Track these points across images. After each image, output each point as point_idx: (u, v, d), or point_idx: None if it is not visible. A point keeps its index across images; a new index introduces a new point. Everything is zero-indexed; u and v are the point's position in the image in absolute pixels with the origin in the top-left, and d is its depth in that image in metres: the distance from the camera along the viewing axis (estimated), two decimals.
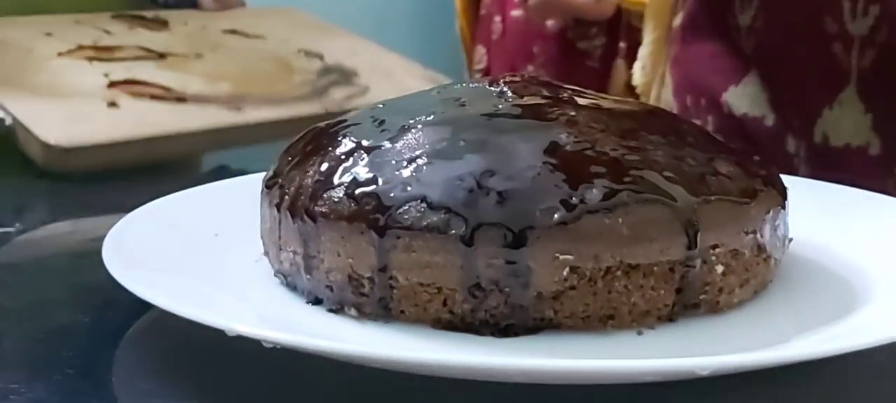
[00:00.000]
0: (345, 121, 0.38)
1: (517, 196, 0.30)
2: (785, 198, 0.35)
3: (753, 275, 0.33)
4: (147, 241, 0.38)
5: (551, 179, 0.31)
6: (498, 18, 1.27)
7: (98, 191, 0.66)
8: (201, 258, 0.38)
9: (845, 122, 0.52)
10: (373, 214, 0.31)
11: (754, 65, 0.57)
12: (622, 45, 1.15)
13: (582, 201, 0.30)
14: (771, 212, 0.34)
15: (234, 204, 0.43)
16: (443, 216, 0.30)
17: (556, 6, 1.10)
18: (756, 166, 0.36)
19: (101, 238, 0.37)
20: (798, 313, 0.34)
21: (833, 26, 0.51)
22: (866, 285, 0.35)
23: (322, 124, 0.39)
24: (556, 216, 0.30)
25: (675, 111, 0.65)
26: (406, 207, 0.31)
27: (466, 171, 0.31)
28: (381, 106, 0.39)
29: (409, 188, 0.31)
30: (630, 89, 1.10)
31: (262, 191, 0.38)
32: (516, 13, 1.21)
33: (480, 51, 1.31)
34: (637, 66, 0.71)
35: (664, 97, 0.66)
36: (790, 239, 0.37)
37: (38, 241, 0.49)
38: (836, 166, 0.53)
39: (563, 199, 0.30)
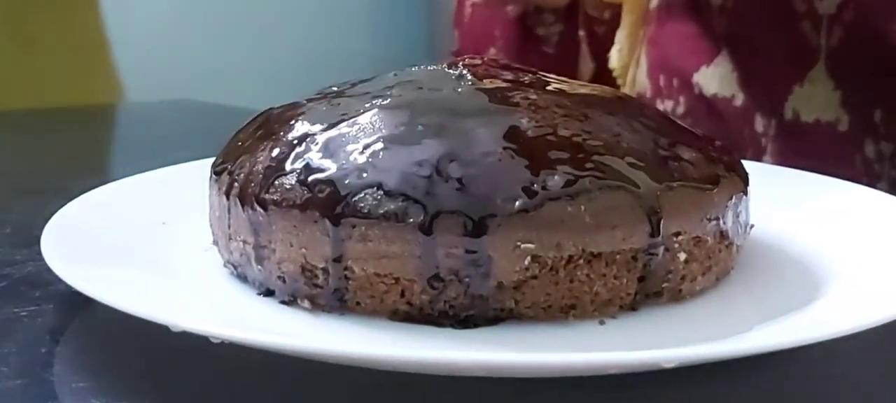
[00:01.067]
0: (298, 104, 0.37)
1: (477, 183, 0.29)
2: (747, 184, 0.35)
3: (715, 263, 0.33)
4: (90, 230, 0.37)
5: (512, 165, 0.30)
6: (469, 1, 1.29)
7: (37, 172, 0.64)
8: (148, 248, 0.36)
9: (815, 99, 0.53)
10: (327, 202, 0.30)
11: (726, 44, 0.57)
12: (581, 32, 1.17)
13: (543, 188, 0.29)
14: (733, 199, 0.33)
15: (183, 191, 0.41)
16: (400, 204, 0.29)
17: None
18: (718, 152, 0.35)
19: (41, 225, 0.35)
20: (760, 301, 0.33)
21: (801, 5, 0.52)
22: (826, 272, 0.35)
23: (275, 108, 0.38)
24: (517, 203, 0.29)
25: (648, 92, 0.65)
26: (362, 194, 0.30)
27: (425, 157, 0.30)
28: (335, 88, 0.38)
29: (364, 174, 0.30)
30: (595, 79, 1.11)
31: (210, 177, 0.36)
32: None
33: (455, 34, 1.35)
34: (614, 50, 0.71)
35: (639, 78, 0.66)
36: (752, 226, 0.37)
37: None
38: (806, 142, 0.53)
39: (525, 186, 0.29)
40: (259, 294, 0.33)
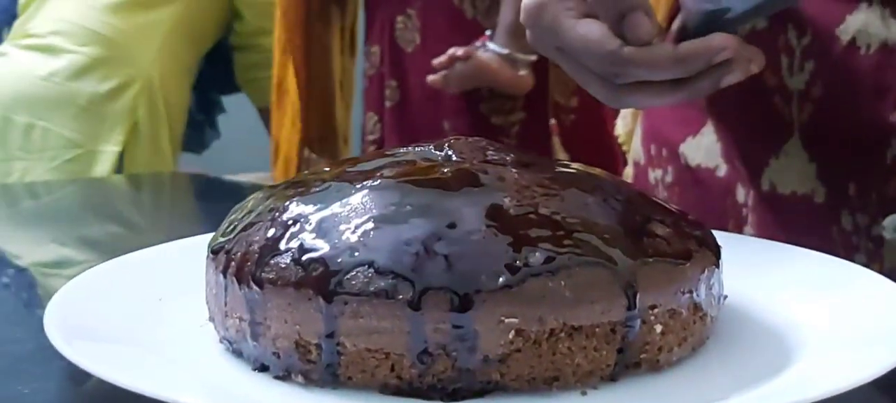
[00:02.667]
0: (291, 184, 0.38)
1: (462, 260, 0.31)
2: (718, 257, 0.37)
3: (690, 334, 0.35)
4: (90, 308, 0.38)
5: (495, 243, 0.32)
6: (393, 83, 1.14)
7: (30, 247, 0.65)
8: (146, 324, 0.37)
9: (791, 171, 0.53)
10: (320, 280, 0.32)
11: (710, 115, 0.58)
12: (552, 121, 1.09)
13: (526, 264, 0.31)
14: (706, 272, 0.35)
15: (176, 268, 0.43)
16: (390, 281, 0.31)
17: (477, 78, 1.03)
18: (690, 227, 0.37)
19: (42, 302, 0.36)
20: (733, 370, 0.35)
21: (773, 80, 0.53)
22: (796, 340, 0.37)
23: (268, 187, 0.39)
24: (500, 279, 0.31)
25: (642, 160, 0.66)
26: (353, 273, 0.31)
27: (412, 236, 0.32)
28: (326, 169, 0.40)
29: (356, 253, 0.32)
30: None
31: (207, 256, 0.38)
32: (432, 78, 1.08)
33: (372, 118, 1.18)
34: (619, 119, 0.72)
35: (634, 146, 0.68)
36: (725, 297, 0.39)
37: None
38: (783, 214, 0.54)
39: (508, 263, 0.31)
40: (254, 369, 0.34)
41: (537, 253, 0.31)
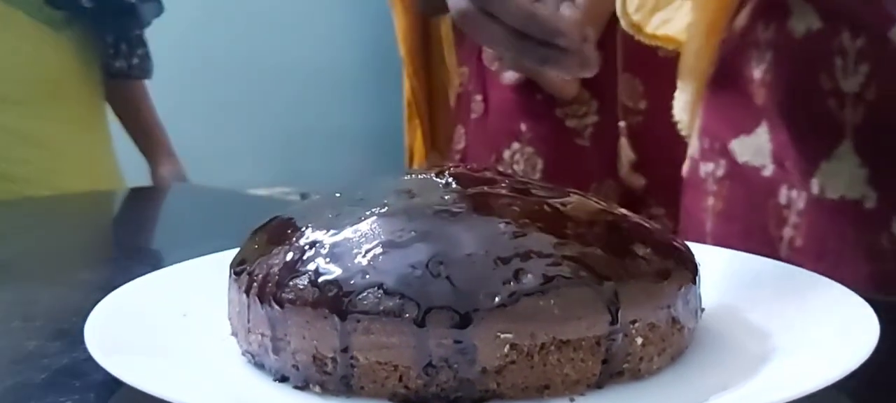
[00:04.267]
0: (305, 211, 0.42)
1: (463, 281, 0.35)
2: (695, 275, 0.40)
3: (669, 344, 0.38)
4: (125, 323, 0.41)
5: (492, 266, 0.35)
6: (478, 97, 1.20)
7: (57, 261, 0.68)
8: (174, 339, 0.41)
9: (841, 176, 0.53)
10: (335, 300, 0.35)
11: (764, 116, 0.58)
12: (622, 123, 1.14)
13: (519, 285, 0.35)
14: (682, 289, 0.39)
15: (199, 285, 0.46)
16: (397, 301, 0.35)
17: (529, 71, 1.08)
18: (670, 247, 0.40)
19: (68, 317, 0.40)
20: (709, 375, 0.38)
21: (827, 83, 0.52)
22: (768, 347, 0.40)
23: (285, 214, 0.43)
24: (497, 299, 0.34)
25: (696, 153, 0.68)
26: (365, 293, 0.35)
27: (417, 260, 0.36)
28: (338, 195, 0.43)
29: (366, 276, 0.35)
30: (635, 169, 1.13)
31: (230, 276, 0.41)
32: (510, 79, 1.13)
33: (459, 131, 1.25)
34: (676, 105, 0.73)
35: (692, 141, 0.69)
36: (703, 310, 0.42)
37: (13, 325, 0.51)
38: (831, 218, 0.53)
39: (503, 284, 0.35)
40: (275, 380, 0.38)
41: (529, 275, 0.35)
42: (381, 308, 0.35)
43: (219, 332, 0.42)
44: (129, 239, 0.86)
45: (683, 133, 0.73)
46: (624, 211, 0.43)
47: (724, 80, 0.67)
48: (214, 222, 0.85)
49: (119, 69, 1.20)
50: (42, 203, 1.02)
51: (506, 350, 0.34)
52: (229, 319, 0.41)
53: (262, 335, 0.38)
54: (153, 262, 0.71)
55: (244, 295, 0.39)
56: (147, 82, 1.27)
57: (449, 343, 0.34)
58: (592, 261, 0.36)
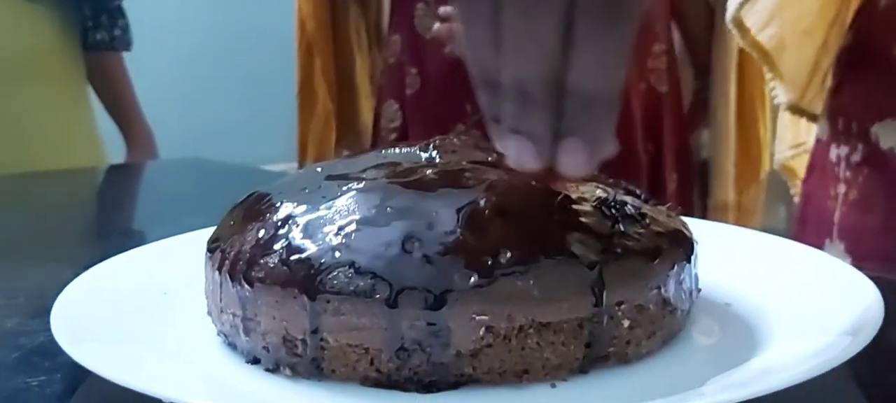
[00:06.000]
0: (282, 185, 0.40)
1: (437, 260, 0.33)
2: (690, 253, 0.38)
3: (660, 327, 0.36)
4: (96, 304, 0.40)
5: (469, 243, 0.34)
6: (413, 70, 1.12)
7: (45, 237, 0.68)
8: (149, 318, 0.40)
9: None
10: (304, 280, 0.34)
11: None
12: None
13: (497, 264, 0.33)
14: (675, 268, 0.37)
15: (183, 262, 0.45)
16: (369, 281, 0.33)
17: None
18: (665, 224, 0.38)
19: (52, 294, 0.39)
20: (702, 360, 0.36)
21: None
22: (768, 330, 0.38)
23: (263, 188, 0.41)
24: (472, 279, 0.33)
25: (824, 135, 0.64)
26: (335, 273, 0.33)
27: (391, 238, 0.34)
28: (318, 170, 0.42)
29: (337, 254, 0.34)
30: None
31: (205, 253, 0.40)
32: (437, 27, 1.04)
33: (392, 106, 1.17)
34: (782, 92, 0.71)
35: (820, 118, 0.66)
36: (699, 291, 0.40)
37: None
38: None
39: (479, 263, 0.33)
40: (247, 362, 0.36)
41: (508, 254, 0.33)
42: (352, 288, 0.33)
43: (198, 311, 0.41)
44: (119, 216, 0.85)
45: (783, 99, 0.69)
46: (622, 183, 0.41)
47: (866, 59, 0.63)
48: (207, 197, 0.84)
49: (99, 41, 1.18)
50: (20, 180, 1.01)
51: (481, 332, 0.33)
52: (206, 298, 0.40)
53: (234, 315, 0.36)
54: (139, 240, 0.70)
55: (216, 273, 0.38)
56: (155, 54, 1.25)
57: (422, 325, 0.32)
58: (577, 239, 0.34)
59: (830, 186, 0.68)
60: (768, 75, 0.75)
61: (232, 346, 0.37)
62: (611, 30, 0.27)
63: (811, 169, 0.76)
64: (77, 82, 1.18)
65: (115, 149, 1.27)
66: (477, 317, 0.32)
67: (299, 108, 1.35)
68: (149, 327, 0.39)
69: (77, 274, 0.43)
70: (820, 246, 0.77)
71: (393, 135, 1.18)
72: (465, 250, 0.33)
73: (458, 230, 0.34)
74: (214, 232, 0.41)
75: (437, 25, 1.07)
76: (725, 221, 1.31)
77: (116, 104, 1.24)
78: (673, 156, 1.20)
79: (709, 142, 1.30)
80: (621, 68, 0.28)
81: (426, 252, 0.33)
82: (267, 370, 0.35)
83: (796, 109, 0.75)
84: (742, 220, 1.29)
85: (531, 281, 0.33)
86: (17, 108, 1.09)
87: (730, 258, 0.45)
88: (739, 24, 0.74)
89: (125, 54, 1.25)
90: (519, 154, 0.29)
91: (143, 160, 1.23)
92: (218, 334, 0.39)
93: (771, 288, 0.42)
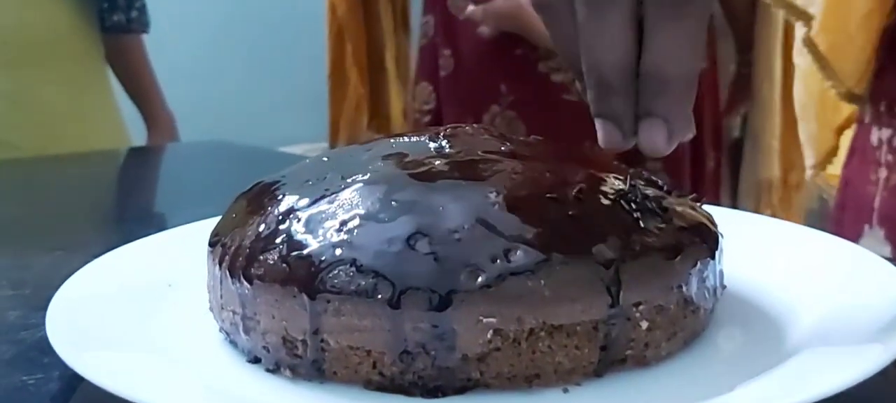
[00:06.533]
0: (288, 175, 0.39)
1: (443, 259, 0.31)
2: (714, 249, 0.36)
3: (681, 328, 0.34)
4: (96, 299, 0.39)
5: (477, 241, 0.32)
6: (447, 52, 1.10)
7: (59, 223, 0.67)
8: (150, 313, 0.39)
9: None
10: (304, 278, 0.32)
11: None
12: None
13: (506, 263, 0.31)
14: (698, 266, 0.35)
15: (190, 251, 0.43)
16: (371, 280, 0.31)
17: (513, 19, 0.99)
18: (688, 217, 0.36)
19: (59, 287, 0.38)
20: (726, 364, 0.34)
21: None
22: (798, 332, 0.36)
23: (268, 179, 0.40)
24: (479, 279, 0.31)
25: (867, 117, 0.62)
26: (336, 271, 0.32)
27: (396, 234, 0.32)
28: (325, 159, 0.40)
29: (339, 251, 0.32)
30: None
31: (207, 248, 0.38)
32: (471, 9, 1.02)
33: (426, 88, 1.15)
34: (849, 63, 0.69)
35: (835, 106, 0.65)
36: (724, 288, 0.38)
37: None
38: None
39: (488, 262, 0.31)
40: (248, 360, 0.35)
41: (518, 252, 0.31)
42: (353, 287, 0.31)
43: (201, 305, 0.39)
44: (138, 200, 0.85)
45: (843, 88, 0.67)
46: (645, 174, 0.39)
47: None
48: (228, 180, 0.83)
49: (116, 23, 1.17)
50: (39, 164, 1.00)
51: (489, 335, 0.31)
52: (208, 292, 0.39)
53: (234, 312, 0.35)
54: (158, 224, 0.69)
55: (217, 268, 0.36)
56: (176, 36, 1.24)
57: (426, 327, 0.31)
58: (594, 236, 0.32)
59: (871, 170, 0.66)
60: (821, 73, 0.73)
61: (234, 344, 0.36)
62: (681, 18, 0.29)
63: (852, 152, 0.73)
64: (96, 65, 1.18)
65: (139, 133, 1.27)
66: (484, 319, 0.31)
67: (330, 92, 1.35)
68: (149, 323, 0.38)
69: (87, 263, 0.42)
70: (859, 233, 0.75)
71: (427, 118, 1.16)
72: (472, 248, 0.31)
73: (466, 226, 0.32)
74: (217, 225, 0.39)
75: (470, 7, 1.05)
76: (770, 199, 1.28)
77: (136, 87, 1.24)
78: (711, 135, 1.17)
79: (752, 119, 1.27)
80: (696, 52, 0.30)
81: (431, 249, 0.31)
82: (267, 370, 0.34)
83: (852, 96, 0.72)
84: (787, 198, 1.26)
85: (542, 281, 0.31)
86: (35, 91, 1.09)
87: (759, 251, 0.43)
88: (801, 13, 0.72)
89: (146, 37, 1.24)
90: (605, 135, 0.31)
91: (164, 143, 1.23)
92: (220, 331, 0.37)
93: (802, 285, 0.39)
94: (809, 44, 0.72)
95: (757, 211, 1.32)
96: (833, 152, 0.81)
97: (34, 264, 0.53)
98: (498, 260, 0.31)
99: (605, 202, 0.34)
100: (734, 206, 1.24)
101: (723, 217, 0.42)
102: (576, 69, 0.31)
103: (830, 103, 0.80)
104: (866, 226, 0.71)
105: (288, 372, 0.33)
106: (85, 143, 1.10)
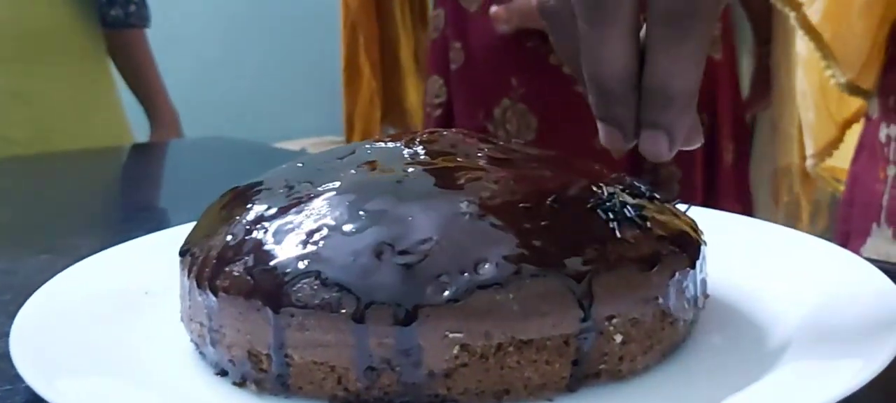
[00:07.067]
0: (260, 183, 0.38)
1: (409, 272, 0.30)
2: (695, 258, 0.35)
3: (658, 341, 0.33)
4: (67, 309, 0.38)
5: (446, 254, 0.31)
6: (457, 45, 1.10)
7: (49, 223, 0.67)
8: (121, 324, 0.38)
9: None
10: (268, 291, 0.31)
11: None
12: None
13: (473, 276, 0.30)
14: (676, 276, 0.34)
15: (168, 258, 0.43)
16: (335, 293, 0.30)
17: (536, 17, 0.98)
18: (668, 225, 0.35)
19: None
20: (705, 378, 0.33)
21: None
22: (781, 342, 0.35)
23: (242, 185, 0.39)
24: (445, 293, 0.30)
25: (875, 113, 0.61)
26: (300, 284, 0.31)
27: (362, 246, 0.31)
28: (300, 165, 0.39)
29: (304, 264, 0.31)
30: None
31: (178, 256, 0.38)
32: (495, 10, 1.01)
33: (437, 82, 1.14)
34: (850, 54, 0.68)
35: (847, 102, 0.64)
36: (706, 297, 0.37)
37: None
38: None
39: (456, 275, 0.30)
40: (216, 373, 0.34)
41: (487, 265, 0.30)
42: (317, 301, 0.31)
43: (175, 314, 0.39)
44: (134, 199, 0.84)
45: (843, 80, 0.66)
46: (627, 179, 0.38)
47: None
48: (230, 176, 0.82)
49: (115, 18, 1.17)
50: (37, 161, 1.00)
51: (455, 351, 0.30)
52: (180, 302, 0.38)
53: (201, 324, 0.34)
54: (158, 221, 0.68)
55: (186, 278, 0.36)
56: (180, 32, 1.24)
57: (391, 342, 0.30)
58: (566, 248, 0.32)
59: (879, 167, 0.64)
60: (823, 62, 0.71)
61: (202, 355, 0.35)
62: (685, 38, 0.28)
63: (860, 148, 0.72)
64: (97, 60, 1.17)
65: (142, 129, 1.27)
66: (450, 334, 0.30)
67: (345, 86, 1.35)
68: (119, 334, 0.37)
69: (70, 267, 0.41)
70: (867, 231, 0.73)
71: (438, 111, 1.15)
72: (440, 260, 0.31)
73: (435, 238, 0.31)
74: (189, 234, 0.38)
75: (493, 8, 1.03)
76: (790, 185, 1.26)
77: (139, 82, 1.23)
78: (730, 126, 1.15)
79: (772, 107, 1.26)
80: (698, 68, 0.29)
81: (398, 262, 0.31)
82: (234, 383, 0.33)
83: (855, 89, 0.71)
84: (808, 185, 1.25)
85: (511, 295, 0.30)
86: (36, 87, 1.09)
87: (747, 257, 0.42)
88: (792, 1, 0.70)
89: (150, 32, 1.23)
90: (608, 137, 0.31)
91: (168, 139, 1.23)
92: (191, 341, 0.37)
93: (790, 293, 0.38)
94: (808, 28, 0.71)
95: (775, 199, 1.30)
96: (834, 144, 0.79)
97: (21, 267, 0.53)
98: (466, 273, 0.30)
99: (581, 211, 0.33)
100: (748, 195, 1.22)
101: (713, 221, 0.41)
102: (579, 75, 0.31)
103: (833, 94, 0.79)
104: (874, 225, 0.70)
105: (253, 387, 0.32)
106: (86, 140, 1.10)
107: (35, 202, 0.78)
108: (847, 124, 0.81)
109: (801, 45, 0.80)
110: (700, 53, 0.29)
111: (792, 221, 1.25)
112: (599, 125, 0.31)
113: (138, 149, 1.17)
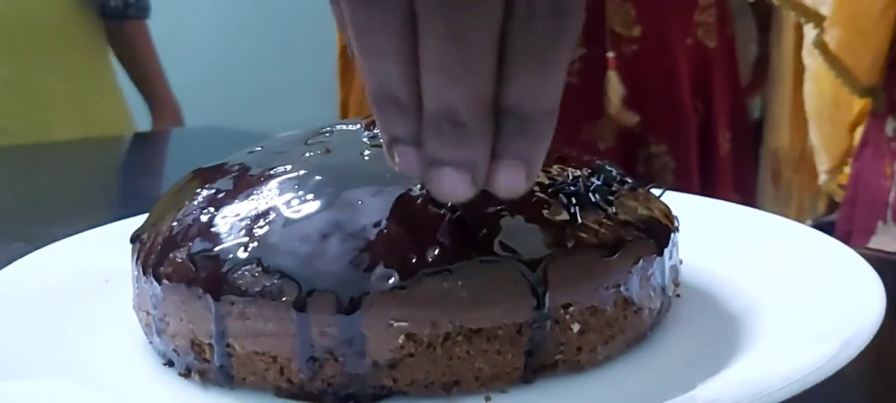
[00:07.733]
0: (217, 169, 0.37)
1: (354, 259, 0.29)
2: (664, 245, 0.33)
3: (620, 330, 0.32)
4: (19, 297, 0.37)
5: (393, 239, 0.29)
6: None
7: (41, 225, 0.66)
8: (74, 315, 0.37)
9: None
10: (209, 278, 0.30)
11: None
12: (610, 54, 1.01)
13: (420, 262, 0.29)
14: (641, 263, 0.32)
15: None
16: (276, 281, 0.29)
17: None
18: (639, 210, 0.34)
19: None
20: (671, 368, 0.32)
21: None
22: (752, 329, 0.33)
23: (199, 169, 0.38)
24: (390, 280, 0.28)
25: (881, 107, 0.60)
26: (241, 271, 0.30)
27: (307, 232, 0.30)
28: (259, 149, 0.38)
29: (246, 250, 0.30)
30: (627, 104, 1.03)
31: (129, 243, 0.37)
32: None
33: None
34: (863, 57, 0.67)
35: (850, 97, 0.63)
36: (676, 285, 0.35)
37: None
38: None
39: (402, 261, 0.29)
40: (163, 363, 0.33)
41: (436, 250, 0.29)
42: (257, 289, 0.29)
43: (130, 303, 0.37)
44: (138, 185, 0.83)
45: (859, 85, 0.65)
46: (597, 162, 0.36)
47: None
48: None
49: (115, 8, 1.16)
50: (40, 150, 0.99)
51: (400, 341, 0.29)
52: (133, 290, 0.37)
53: (147, 313, 0.33)
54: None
55: (135, 266, 0.34)
56: (180, 21, 1.23)
57: (333, 331, 0.29)
58: (521, 233, 0.30)
59: (884, 164, 0.63)
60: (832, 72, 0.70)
61: (151, 345, 0.34)
62: (553, 43, 0.23)
63: (863, 145, 0.70)
64: (97, 51, 1.17)
65: (144, 119, 1.26)
66: (395, 323, 0.28)
67: (339, 74, 1.34)
68: (71, 324, 0.36)
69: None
70: (871, 229, 0.71)
71: None
72: (386, 246, 0.29)
73: (383, 222, 0.30)
74: (145, 220, 0.37)
75: None
76: (782, 170, 1.24)
77: (139, 72, 1.22)
78: (726, 115, 1.12)
79: (764, 93, 1.25)
80: (561, 81, 0.24)
81: (343, 248, 0.29)
82: (180, 374, 0.32)
83: (866, 89, 0.69)
84: (803, 168, 1.23)
85: (459, 282, 0.29)
86: (35, 77, 1.08)
87: (726, 243, 0.40)
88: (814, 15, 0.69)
89: (150, 22, 1.23)
90: (452, 187, 0.25)
91: (168, 128, 1.22)
92: (143, 329, 0.35)
93: (767, 280, 0.37)
94: (822, 47, 0.69)
95: (775, 185, 1.28)
96: (849, 152, 0.77)
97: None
98: (412, 260, 0.29)
99: (540, 195, 0.32)
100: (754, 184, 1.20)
101: (692, 206, 0.39)
102: (388, 95, 0.24)
103: (844, 101, 0.77)
104: (880, 222, 0.68)
105: (197, 377, 0.31)
106: (86, 130, 1.10)
107: (26, 192, 0.78)
108: (853, 127, 0.79)
109: (810, 58, 0.77)
110: (565, 63, 0.24)
111: (787, 209, 1.23)
112: (435, 172, 0.24)
113: (140, 138, 1.16)
